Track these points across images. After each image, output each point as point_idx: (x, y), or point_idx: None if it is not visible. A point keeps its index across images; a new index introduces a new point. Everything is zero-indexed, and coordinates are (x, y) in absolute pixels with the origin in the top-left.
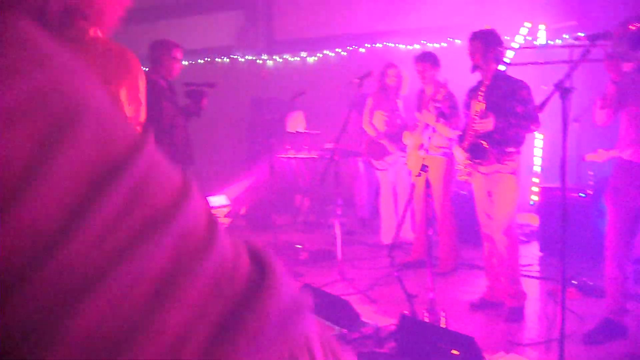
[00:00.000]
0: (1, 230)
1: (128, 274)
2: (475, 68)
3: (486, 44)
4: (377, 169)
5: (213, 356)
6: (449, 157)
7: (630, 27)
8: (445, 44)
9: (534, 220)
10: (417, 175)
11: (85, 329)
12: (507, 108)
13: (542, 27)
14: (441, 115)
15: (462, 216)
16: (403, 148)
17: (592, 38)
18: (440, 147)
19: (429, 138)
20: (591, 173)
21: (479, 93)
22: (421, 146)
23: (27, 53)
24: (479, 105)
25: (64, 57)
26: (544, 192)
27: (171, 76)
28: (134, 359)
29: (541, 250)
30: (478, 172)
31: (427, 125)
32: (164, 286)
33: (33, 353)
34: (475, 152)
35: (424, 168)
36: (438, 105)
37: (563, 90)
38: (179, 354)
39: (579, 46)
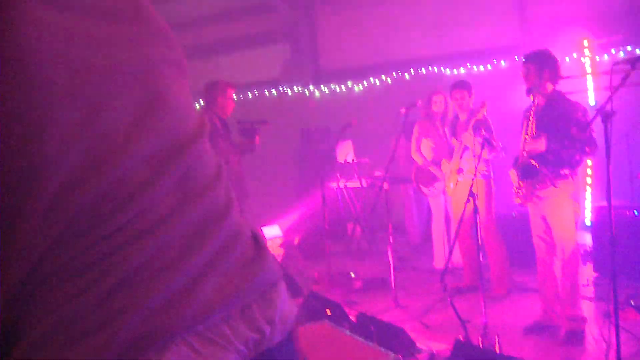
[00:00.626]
0: (102, 177)
1: (176, 224)
2: (530, 90)
3: (541, 64)
4: (428, 196)
5: (202, 292)
6: (488, 179)
7: None
8: (490, 67)
9: (588, 240)
10: (466, 202)
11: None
12: (561, 130)
13: (585, 42)
14: (487, 142)
15: (514, 239)
16: (459, 170)
17: (633, 62)
18: (480, 170)
19: (476, 164)
20: None
21: (530, 113)
22: (460, 170)
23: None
24: (529, 126)
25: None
26: (596, 211)
27: (225, 115)
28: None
29: (595, 270)
30: (533, 195)
31: (465, 150)
32: (194, 239)
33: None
34: (526, 173)
35: (472, 195)
36: (484, 133)
37: (605, 114)
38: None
39: (621, 70)
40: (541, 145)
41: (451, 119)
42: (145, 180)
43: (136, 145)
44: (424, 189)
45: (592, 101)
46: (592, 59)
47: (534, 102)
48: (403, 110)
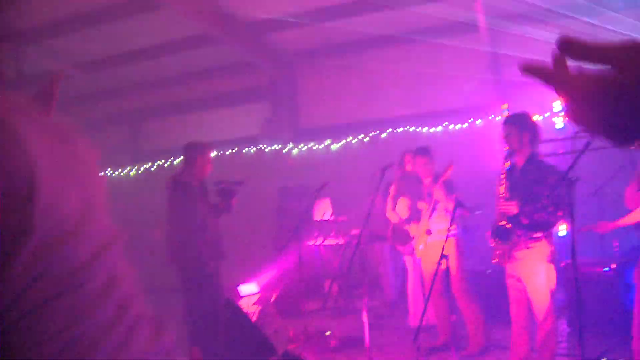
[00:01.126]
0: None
1: (108, 300)
2: (510, 152)
3: (522, 127)
4: (404, 254)
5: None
6: (457, 238)
7: None
8: (466, 125)
9: (561, 296)
10: (438, 263)
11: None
12: (536, 192)
13: (556, 103)
14: (460, 205)
15: (490, 296)
16: (428, 232)
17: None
18: (447, 230)
19: (450, 224)
20: (616, 244)
21: (502, 175)
22: (429, 232)
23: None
24: (502, 188)
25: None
26: (569, 267)
27: (203, 176)
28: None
29: (569, 326)
30: (509, 256)
31: (433, 211)
32: (117, 314)
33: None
34: (499, 235)
35: (444, 256)
36: (455, 197)
37: (568, 181)
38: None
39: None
40: (513, 208)
41: (415, 183)
42: (87, 260)
43: (82, 232)
44: (401, 248)
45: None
46: (564, 120)
47: (508, 163)
48: (378, 173)
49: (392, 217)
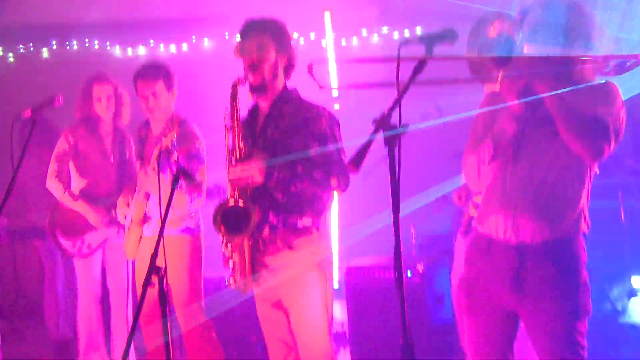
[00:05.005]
0: None
1: None
2: (257, 87)
3: (274, 42)
4: (73, 255)
5: None
6: (194, 234)
7: (489, 33)
8: (186, 47)
9: (339, 313)
10: (147, 284)
11: None
12: (294, 149)
13: (326, 17)
14: (185, 176)
15: (238, 330)
16: (144, 220)
17: (429, 41)
18: (181, 219)
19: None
20: (414, 242)
21: (233, 119)
22: (145, 220)
23: None
24: (239, 141)
25: None
26: (350, 273)
27: None
28: None
29: (353, 355)
30: (261, 265)
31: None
32: None
33: None
34: (229, 220)
35: (156, 269)
36: (176, 160)
37: (390, 130)
38: None
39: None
40: (256, 173)
41: (137, 128)
42: None
43: None
44: (65, 243)
45: (337, 105)
46: (337, 42)
47: (256, 105)
48: (27, 115)
49: (55, 189)
